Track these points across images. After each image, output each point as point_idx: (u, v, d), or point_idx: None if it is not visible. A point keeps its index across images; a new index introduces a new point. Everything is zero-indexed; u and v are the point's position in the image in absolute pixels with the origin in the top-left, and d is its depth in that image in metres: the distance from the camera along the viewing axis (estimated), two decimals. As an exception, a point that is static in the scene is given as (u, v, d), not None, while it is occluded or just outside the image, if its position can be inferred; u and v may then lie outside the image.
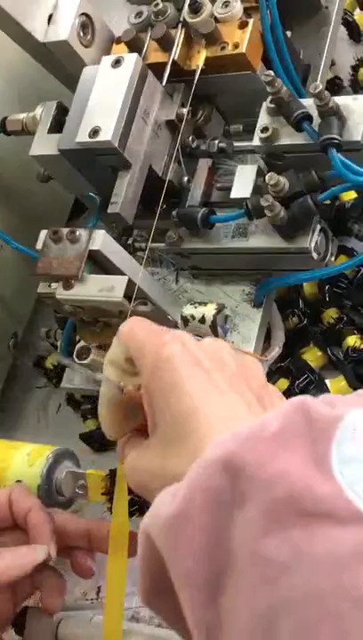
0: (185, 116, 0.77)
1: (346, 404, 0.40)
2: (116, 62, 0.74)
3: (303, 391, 0.78)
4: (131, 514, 0.66)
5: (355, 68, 0.90)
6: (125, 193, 0.73)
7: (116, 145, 0.71)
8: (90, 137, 0.72)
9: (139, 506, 0.72)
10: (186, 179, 0.78)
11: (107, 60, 0.75)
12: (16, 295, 0.96)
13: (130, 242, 0.78)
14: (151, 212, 0.76)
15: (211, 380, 0.48)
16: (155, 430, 0.49)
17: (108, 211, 0.73)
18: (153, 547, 0.41)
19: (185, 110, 0.77)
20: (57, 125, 0.78)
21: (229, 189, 0.75)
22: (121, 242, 0.72)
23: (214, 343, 0.52)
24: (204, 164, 0.79)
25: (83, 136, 0.73)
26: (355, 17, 0.92)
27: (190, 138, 0.78)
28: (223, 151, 0.77)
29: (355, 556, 0.34)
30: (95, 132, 0.72)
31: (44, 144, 0.78)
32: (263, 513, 0.36)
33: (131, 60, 0.73)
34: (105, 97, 0.73)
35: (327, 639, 0.33)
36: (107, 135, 0.71)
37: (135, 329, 0.53)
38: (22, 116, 0.81)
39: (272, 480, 0.36)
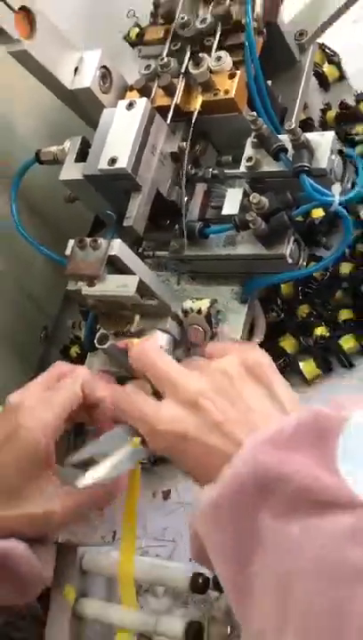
0: (185, 149, 0.77)
1: (353, 405, 0.42)
2: (130, 105, 0.75)
3: (281, 371, 0.78)
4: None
5: (323, 111, 0.91)
6: (136, 210, 0.73)
7: (130, 171, 0.72)
8: (109, 165, 0.73)
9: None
10: (186, 199, 0.78)
11: (122, 104, 0.76)
12: (46, 295, 0.97)
13: (140, 250, 0.78)
14: (157, 225, 0.78)
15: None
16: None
17: (123, 224, 0.73)
18: (198, 538, 0.44)
19: (185, 144, 0.77)
20: (81, 155, 0.79)
21: (220, 208, 0.75)
22: (133, 250, 0.73)
23: (224, 365, 0.53)
24: (200, 188, 0.80)
25: (103, 164, 0.74)
26: (324, 69, 0.92)
27: (190, 166, 0.78)
28: (216, 177, 0.78)
29: (352, 535, 0.36)
30: (113, 160, 0.73)
31: (71, 171, 0.79)
32: (283, 503, 0.39)
33: (141, 104, 0.75)
34: (121, 133, 0.74)
35: (328, 601, 0.36)
36: (122, 163, 0.72)
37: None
38: (53, 148, 0.82)
39: (289, 477, 0.39)
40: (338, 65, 0.94)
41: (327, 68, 0.93)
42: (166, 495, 0.81)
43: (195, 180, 0.79)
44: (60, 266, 0.85)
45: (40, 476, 0.62)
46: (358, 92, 0.91)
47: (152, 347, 0.59)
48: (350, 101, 0.91)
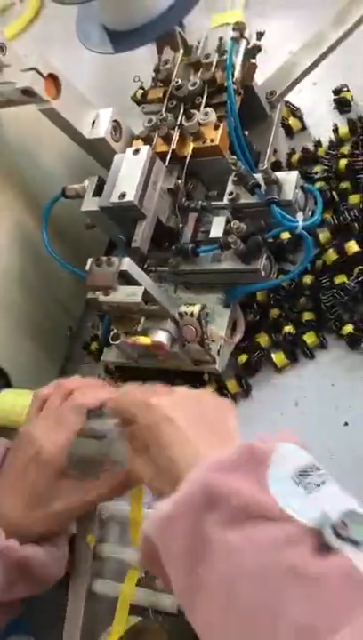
0: (180, 186, 0.77)
1: (276, 440, 0.43)
2: (136, 151, 0.76)
3: (257, 362, 0.79)
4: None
5: (289, 155, 0.91)
6: (141, 235, 0.74)
7: (136, 204, 0.73)
8: (119, 199, 0.74)
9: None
10: (181, 226, 0.79)
11: (130, 150, 0.76)
12: (71, 300, 0.97)
13: (145, 266, 0.79)
14: (158, 247, 0.79)
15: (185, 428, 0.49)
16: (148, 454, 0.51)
17: (131, 246, 0.74)
18: (150, 541, 0.44)
19: (179, 182, 0.78)
20: (98, 191, 0.79)
21: (208, 232, 0.76)
22: (140, 267, 0.73)
23: (187, 396, 0.54)
24: (192, 217, 0.80)
25: (115, 198, 0.74)
26: (289, 121, 0.93)
27: (184, 200, 0.79)
28: (204, 208, 0.78)
29: (282, 541, 0.37)
30: (123, 195, 0.74)
31: (90, 203, 0.80)
32: (225, 516, 0.39)
33: (145, 150, 0.75)
34: (129, 173, 0.75)
35: (263, 599, 0.36)
36: (130, 197, 0.73)
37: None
38: (75, 185, 0.82)
39: (231, 495, 0.40)
40: (301, 118, 0.95)
41: (292, 121, 0.94)
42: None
43: (188, 211, 0.80)
44: (81, 278, 0.86)
45: (59, 482, 0.63)
46: (317, 139, 0.92)
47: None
48: (310, 147, 0.92)
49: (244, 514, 0.39)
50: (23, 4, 1.51)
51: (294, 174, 0.71)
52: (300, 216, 0.71)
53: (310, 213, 0.73)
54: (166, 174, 0.78)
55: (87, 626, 0.67)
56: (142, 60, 1.13)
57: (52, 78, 0.76)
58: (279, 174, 0.71)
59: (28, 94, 0.73)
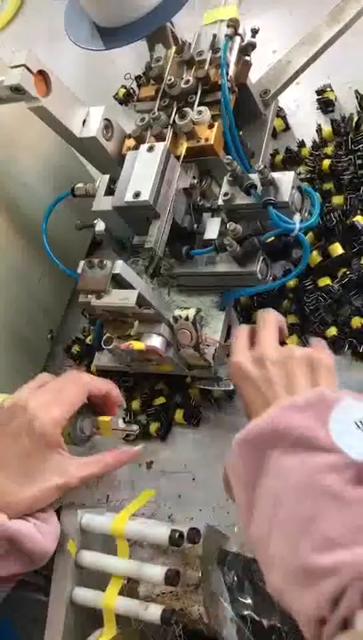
0: (196, 185, 0.76)
1: (344, 393, 0.49)
2: (150, 148, 0.73)
3: None
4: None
5: (273, 155, 0.91)
6: (156, 234, 0.72)
7: (152, 203, 0.71)
8: (134, 198, 0.72)
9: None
10: (196, 226, 0.77)
11: (144, 147, 0.74)
12: (53, 304, 0.97)
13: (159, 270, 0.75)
14: (172, 247, 0.75)
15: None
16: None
17: (145, 246, 0.72)
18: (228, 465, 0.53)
19: (195, 181, 0.76)
20: (110, 190, 0.78)
21: (203, 234, 0.74)
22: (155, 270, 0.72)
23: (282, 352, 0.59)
24: (207, 217, 0.78)
25: (129, 197, 0.72)
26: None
27: (198, 199, 0.77)
28: (221, 208, 0.75)
29: (327, 468, 0.43)
30: (137, 194, 0.71)
31: (101, 203, 0.78)
32: (287, 446, 0.46)
33: (160, 147, 0.73)
34: (143, 171, 0.73)
35: (303, 509, 0.42)
36: (145, 196, 0.71)
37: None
38: (85, 184, 0.81)
39: (294, 429, 0.46)
40: (284, 118, 0.95)
41: (276, 121, 0.93)
42: (149, 465, 0.82)
43: (203, 210, 0.78)
44: (63, 280, 0.89)
45: (53, 455, 0.63)
46: (300, 140, 0.91)
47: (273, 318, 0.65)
48: (294, 147, 0.91)
49: (302, 443, 0.45)
50: (3, 3, 1.49)
51: (291, 174, 0.69)
52: (297, 217, 0.69)
53: (306, 214, 0.71)
54: (181, 172, 0.76)
55: (67, 634, 0.66)
56: (125, 60, 1.12)
57: (42, 75, 0.73)
58: (275, 174, 0.70)
59: (18, 92, 0.71)
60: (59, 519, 0.66)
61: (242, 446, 0.49)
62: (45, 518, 0.63)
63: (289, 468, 0.45)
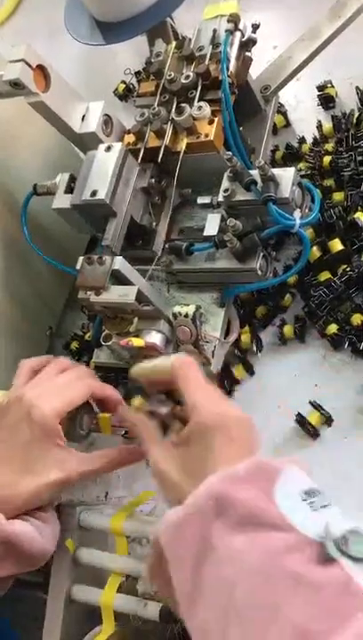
0: (154, 185, 0.77)
1: (285, 461, 0.45)
2: (108, 148, 0.74)
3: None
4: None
5: (273, 152, 0.90)
6: (112, 233, 0.72)
7: (108, 202, 0.71)
8: (90, 196, 0.72)
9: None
10: (155, 224, 0.78)
11: (102, 147, 0.75)
12: (52, 300, 0.97)
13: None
14: (131, 245, 0.77)
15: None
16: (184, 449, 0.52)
17: (102, 244, 0.73)
18: (158, 545, 0.46)
19: (153, 180, 0.77)
20: (69, 188, 0.78)
21: (201, 229, 0.74)
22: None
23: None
24: (166, 215, 0.79)
25: (86, 195, 0.73)
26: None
27: (156, 198, 0.78)
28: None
29: (285, 549, 0.39)
30: (94, 193, 0.72)
31: (61, 200, 0.78)
32: (233, 523, 0.41)
33: (117, 147, 0.74)
34: (101, 170, 0.73)
35: (266, 598, 0.38)
36: (101, 195, 0.72)
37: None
38: (47, 182, 0.81)
39: (239, 503, 0.42)
40: (285, 114, 0.94)
41: (276, 117, 0.93)
42: (148, 462, 0.80)
43: (161, 209, 0.78)
44: (63, 277, 0.88)
45: (53, 447, 0.61)
46: (301, 136, 0.91)
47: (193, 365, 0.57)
48: (294, 144, 0.91)
49: (250, 521, 0.41)
50: (2, -2, 1.48)
51: (291, 171, 0.69)
52: (297, 214, 0.69)
53: (307, 211, 0.71)
54: (140, 172, 0.77)
55: (66, 632, 0.66)
56: (125, 55, 1.12)
57: (41, 70, 0.73)
58: (276, 171, 0.69)
59: (17, 86, 0.71)
60: (58, 516, 0.66)
61: (180, 528, 0.44)
62: (46, 518, 0.62)
63: (241, 550, 0.40)
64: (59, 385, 0.64)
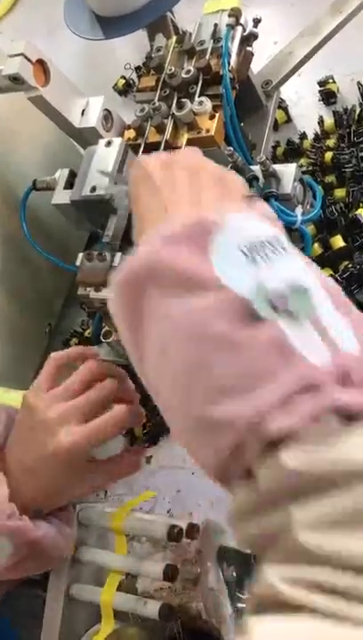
0: None
1: (232, 210, 0.41)
2: (108, 143, 0.73)
3: None
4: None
5: (274, 148, 0.90)
6: (113, 229, 0.71)
7: (108, 198, 0.71)
8: (90, 192, 0.72)
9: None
10: None
11: (102, 142, 0.74)
12: (51, 297, 0.96)
13: None
14: (131, 241, 0.76)
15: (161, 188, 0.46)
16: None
17: (103, 240, 0.72)
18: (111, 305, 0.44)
19: None
20: (69, 184, 0.77)
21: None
22: None
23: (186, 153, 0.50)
24: None
25: (86, 191, 0.72)
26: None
27: None
28: None
29: (215, 310, 0.36)
30: (94, 188, 0.72)
31: (60, 196, 0.77)
32: (166, 286, 0.39)
33: (117, 143, 0.73)
34: (101, 166, 0.72)
35: (193, 359, 0.36)
36: (101, 191, 0.71)
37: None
38: (47, 177, 0.80)
39: (172, 266, 0.38)
40: (286, 110, 0.94)
41: (277, 113, 0.92)
42: (148, 460, 0.81)
43: None
44: (62, 273, 0.88)
45: (79, 473, 0.61)
46: (302, 132, 0.91)
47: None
48: (296, 139, 0.90)
49: (183, 284, 0.38)
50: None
51: (293, 167, 0.69)
52: (299, 210, 0.69)
53: (308, 207, 0.70)
54: None
55: (65, 629, 0.66)
56: (125, 50, 1.11)
57: (41, 65, 0.73)
58: (277, 166, 0.69)
59: (16, 81, 0.70)
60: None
61: (120, 286, 0.42)
62: (68, 519, 0.63)
63: (172, 313, 0.38)
64: (85, 413, 0.60)
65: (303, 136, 0.90)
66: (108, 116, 0.79)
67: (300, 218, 0.68)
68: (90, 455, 0.60)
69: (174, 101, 0.76)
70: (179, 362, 0.37)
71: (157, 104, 0.77)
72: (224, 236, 0.39)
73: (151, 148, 0.75)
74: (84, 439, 0.58)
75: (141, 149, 0.77)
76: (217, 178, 0.47)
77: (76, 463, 0.59)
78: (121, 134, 0.80)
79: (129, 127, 0.80)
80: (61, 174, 0.79)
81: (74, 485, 0.61)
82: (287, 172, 0.68)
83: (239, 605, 0.64)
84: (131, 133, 0.79)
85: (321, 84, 0.93)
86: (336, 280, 0.75)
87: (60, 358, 0.66)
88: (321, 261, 0.78)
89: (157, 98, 0.79)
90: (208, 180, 0.46)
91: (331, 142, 0.86)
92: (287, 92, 0.95)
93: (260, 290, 0.36)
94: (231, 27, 0.77)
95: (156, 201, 0.46)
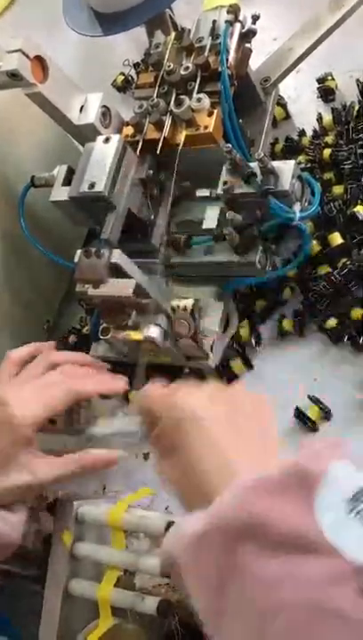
0: (152, 177, 0.76)
1: (327, 457, 0.37)
2: (107, 140, 0.73)
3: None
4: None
5: (272, 144, 0.90)
6: (111, 226, 0.72)
7: (106, 194, 0.71)
8: (88, 189, 0.72)
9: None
10: (153, 217, 0.77)
11: (100, 139, 0.74)
12: (49, 293, 0.96)
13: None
14: (130, 238, 0.76)
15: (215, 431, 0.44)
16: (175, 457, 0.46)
17: (101, 237, 0.72)
18: (170, 556, 0.40)
19: (151, 172, 0.76)
20: (67, 180, 0.77)
21: (200, 222, 0.74)
22: None
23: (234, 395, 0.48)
24: (165, 208, 0.78)
25: (84, 188, 0.72)
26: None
27: (154, 190, 0.77)
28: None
29: (330, 579, 0.33)
30: (92, 185, 0.72)
31: (59, 193, 0.77)
32: (265, 545, 0.35)
33: (116, 139, 0.73)
34: (99, 162, 0.72)
35: (304, 636, 0.32)
36: (100, 187, 0.71)
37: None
38: (45, 174, 0.80)
39: (271, 522, 0.35)
40: (284, 106, 0.94)
41: (276, 110, 0.92)
42: (146, 456, 0.81)
43: (160, 201, 0.78)
44: (61, 270, 0.87)
45: (26, 454, 0.61)
46: (300, 128, 0.91)
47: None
48: (294, 136, 0.90)
49: (285, 545, 0.35)
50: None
51: (291, 163, 0.69)
52: (297, 207, 0.69)
53: (306, 204, 0.70)
54: (138, 164, 0.76)
55: (63, 626, 0.66)
56: (124, 47, 1.11)
57: (39, 61, 0.73)
58: (276, 163, 0.69)
59: (15, 77, 0.70)
60: (54, 511, 0.66)
61: (201, 544, 0.38)
62: (12, 507, 0.63)
63: (276, 580, 0.34)
64: (41, 388, 0.63)
65: (302, 133, 0.90)
66: (106, 112, 0.78)
67: (298, 215, 0.68)
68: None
69: (173, 98, 0.76)
70: (289, 632, 0.33)
71: (155, 100, 0.76)
72: (328, 487, 0.35)
73: (150, 144, 0.75)
74: (39, 412, 0.61)
75: (140, 146, 0.76)
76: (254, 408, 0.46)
77: (22, 440, 0.60)
78: (119, 131, 0.80)
79: (127, 124, 0.79)
80: (60, 171, 0.79)
81: (16, 468, 0.60)
82: (286, 168, 0.68)
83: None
84: (129, 130, 0.79)
85: (320, 81, 0.92)
86: (334, 277, 0.75)
87: (17, 356, 0.68)
88: (320, 259, 0.78)
89: (155, 94, 0.78)
90: (250, 412, 0.46)
91: (329, 139, 0.86)
92: (286, 88, 0.95)
93: None
94: (230, 23, 0.76)
95: (217, 450, 0.43)
